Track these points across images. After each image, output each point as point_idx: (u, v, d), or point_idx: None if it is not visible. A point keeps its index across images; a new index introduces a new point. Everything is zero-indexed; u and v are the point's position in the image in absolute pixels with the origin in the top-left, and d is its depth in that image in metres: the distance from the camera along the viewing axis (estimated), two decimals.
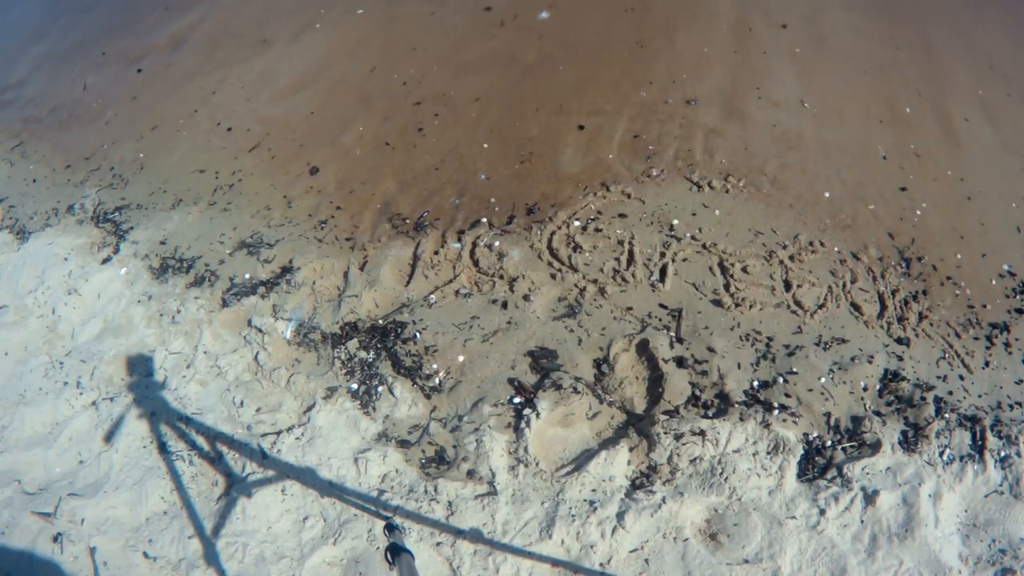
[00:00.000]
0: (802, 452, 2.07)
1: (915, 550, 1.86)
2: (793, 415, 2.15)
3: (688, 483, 2.01)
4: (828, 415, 2.15)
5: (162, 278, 2.87)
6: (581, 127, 3.20)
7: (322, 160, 3.29)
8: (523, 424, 2.15)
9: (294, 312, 2.60)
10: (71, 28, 5.15)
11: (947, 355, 2.32)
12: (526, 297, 2.53)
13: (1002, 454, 2.07)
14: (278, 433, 2.26)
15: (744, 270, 2.55)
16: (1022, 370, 2.30)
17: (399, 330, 2.49)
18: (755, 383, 2.23)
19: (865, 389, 2.22)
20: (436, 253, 2.73)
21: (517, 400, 2.25)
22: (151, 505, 2.17)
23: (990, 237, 2.72)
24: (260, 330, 2.55)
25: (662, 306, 2.47)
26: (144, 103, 4.05)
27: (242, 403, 2.36)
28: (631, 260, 2.61)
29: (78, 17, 5.23)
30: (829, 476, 2.02)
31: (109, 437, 2.36)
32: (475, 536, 1.95)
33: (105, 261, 3.01)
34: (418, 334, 2.47)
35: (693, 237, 2.67)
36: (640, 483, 2.03)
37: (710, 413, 2.17)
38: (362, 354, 2.44)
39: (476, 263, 2.68)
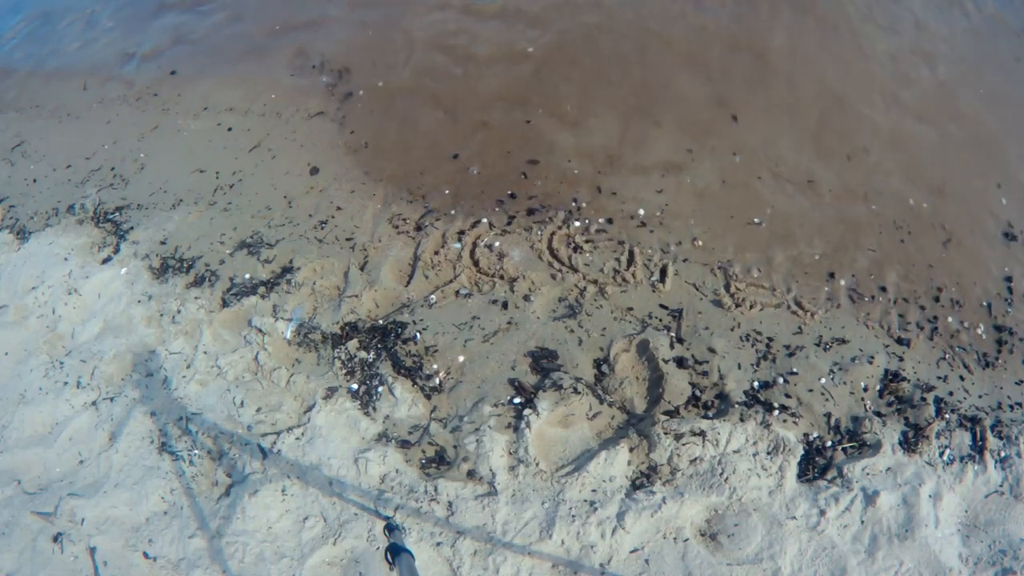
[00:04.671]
0: (802, 452, 2.07)
1: (915, 550, 1.86)
2: (793, 415, 2.15)
3: (688, 483, 2.01)
4: (828, 415, 2.15)
5: (162, 278, 2.87)
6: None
7: (322, 160, 3.29)
8: (523, 424, 2.15)
9: (294, 312, 2.60)
10: (73, 26, 5.14)
11: (948, 355, 2.32)
12: (526, 297, 2.53)
13: (1002, 454, 2.07)
14: (278, 433, 2.26)
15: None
16: (1022, 370, 2.30)
17: (399, 330, 2.49)
18: (755, 383, 2.23)
19: (865, 389, 2.22)
20: (436, 253, 2.73)
21: (517, 400, 2.25)
22: (151, 505, 2.17)
23: (991, 238, 2.72)
24: (260, 330, 2.55)
25: (662, 306, 2.47)
26: (145, 103, 4.05)
27: (242, 403, 2.36)
28: (631, 260, 2.61)
29: (81, 15, 5.23)
30: (829, 476, 2.02)
31: (109, 437, 2.36)
32: (475, 536, 1.95)
33: (105, 261, 3.01)
34: (418, 334, 2.47)
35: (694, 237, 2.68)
36: (640, 483, 2.03)
37: (710, 413, 2.17)
38: (362, 354, 2.44)
39: (476, 263, 2.68)
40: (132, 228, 3.17)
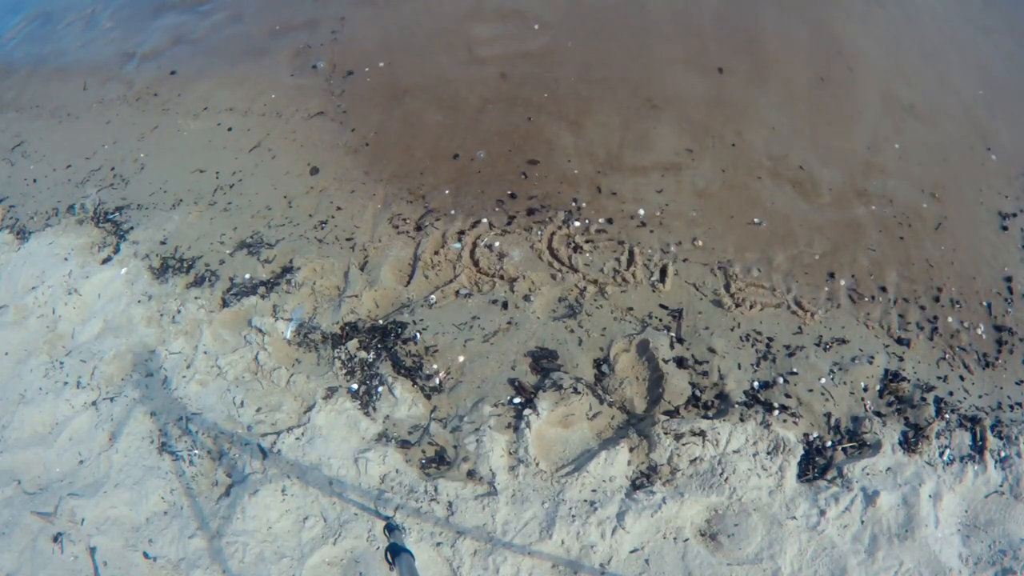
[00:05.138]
0: (802, 452, 2.07)
1: (915, 550, 1.86)
2: (793, 415, 2.15)
3: (688, 483, 2.01)
4: (828, 415, 2.15)
5: (162, 278, 2.87)
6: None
7: (322, 160, 3.29)
8: (523, 424, 2.15)
9: (294, 312, 2.60)
10: (73, 26, 5.14)
11: (948, 355, 2.32)
12: (526, 297, 2.53)
13: (1002, 454, 2.07)
14: (278, 433, 2.26)
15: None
16: (1022, 370, 2.30)
17: (399, 330, 2.49)
18: (755, 383, 2.23)
19: (865, 389, 2.22)
20: (436, 253, 2.73)
21: (517, 400, 2.25)
22: (151, 505, 2.17)
23: (992, 238, 2.72)
24: (260, 330, 2.55)
25: (662, 306, 2.47)
26: (145, 103, 4.05)
27: (242, 403, 2.36)
28: (631, 260, 2.61)
29: (81, 15, 5.23)
30: (829, 476, 2.02)
31: (109, 437, 2.36)
32: (475, 536, 1.95)
33: (105, 261, 3.01)
34: (418, 334, 2.47)
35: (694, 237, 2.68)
36: (640, 483, 2.03)
37: (710, 413, 2.17)
38: (362, 354, 2.44)
39: (476, 263, 2.68)
40: (132, 228, 3.17)
